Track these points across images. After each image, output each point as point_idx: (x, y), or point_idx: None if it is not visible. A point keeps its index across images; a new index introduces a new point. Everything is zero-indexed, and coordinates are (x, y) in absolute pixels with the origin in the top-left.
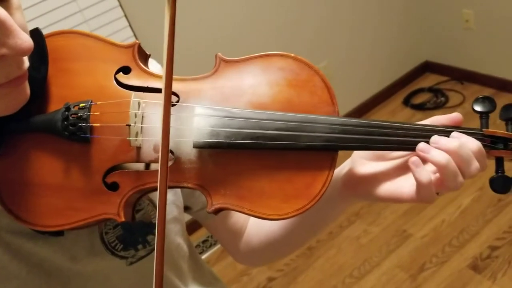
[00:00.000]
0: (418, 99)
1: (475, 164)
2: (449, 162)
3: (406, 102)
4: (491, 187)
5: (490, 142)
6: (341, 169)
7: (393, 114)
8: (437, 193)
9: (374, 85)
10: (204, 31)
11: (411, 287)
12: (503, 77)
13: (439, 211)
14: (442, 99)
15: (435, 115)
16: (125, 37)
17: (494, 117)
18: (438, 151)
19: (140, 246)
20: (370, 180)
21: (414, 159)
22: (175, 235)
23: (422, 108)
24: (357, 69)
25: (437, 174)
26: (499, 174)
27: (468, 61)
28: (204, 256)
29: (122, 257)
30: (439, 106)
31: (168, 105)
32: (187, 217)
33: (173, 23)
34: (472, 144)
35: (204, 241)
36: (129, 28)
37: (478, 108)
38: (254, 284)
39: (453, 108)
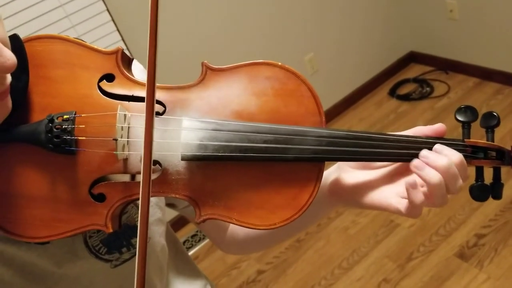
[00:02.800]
0: (404, 90)
1: (460, 182)
2: (441, 182)
3: (392, 93)
4: (471, 195)
5: (471, 152)
6: (327, 176)
7: (379, 105)
8: None
9: (360, 76)
10: (190, 27)
11: (400, 277)
12: (487, 66)
13: None
14: (428, 89)
15: (421, 105)
16: (113, 41)
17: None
18: (432, 170)
19: (124, 249)
20: (357, 189)
21: (411, 181)
22: (160, 237)
23: (408, 98)
24: (343, 61)
25: (425, 189)
26: (479, 182)
27: (452, 51)
28: (193, 251)
29: (106, 260)
30: (424, 96)
31: (151, 116)
32: (175, 212)
33: (155, 28)
34: (455, 158)
35: (193, 236)
36: (116, 33)
37: (460, 117)
38: (244, 278)
39: (438, 98)
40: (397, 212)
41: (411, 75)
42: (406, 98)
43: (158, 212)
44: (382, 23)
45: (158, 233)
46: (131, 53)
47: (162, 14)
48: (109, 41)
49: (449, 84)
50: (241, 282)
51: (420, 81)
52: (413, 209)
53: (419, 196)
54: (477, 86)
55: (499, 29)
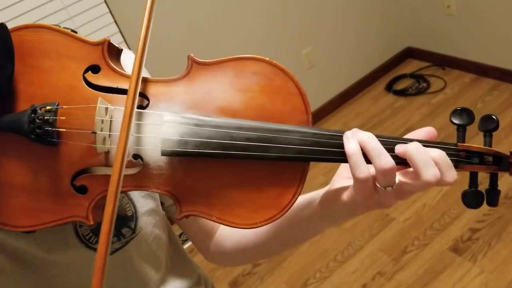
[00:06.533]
0: (400, 85)
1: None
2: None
3: (389, 88)
4: (463, 202)
5: (465, 156)
6: (321, 191)
7: (375, 100)
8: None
9: (357, 71)
10: (184, 20)
11: (394, 270)
12: (483, 62)
13: (420, 195)
14: (424, 84)
15: (417, 100)
16: (110, 33)
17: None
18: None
19: (114, 239)
20: (341, 191)
21: (347, 132)
22: (153, 227)
23: (404, 94)
24: (340, 55)
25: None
26: (472, 189)
27: (449, 47)
28: (189, 244)
29: (96, 250)
30: (421, 92)
31: (131, 111)
32: None
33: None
34: (434, 153)
35: None
36: (114, 25)
37: (455, 120)
38: (239, 270)
39: (434, 94)
40: (353, 196)
41: (408, 70)
42: (402, 93)
43: (151, 202)
44: (379, 18)
45: (151, 224)
46: (128, 45)
47: (158, 7)
48: (106, 33)
49: (445, 80)
50: (236, 274)
51: (416, 76)
52: (359, 187)
53: (353, 143)
54: (473, 82)
55: (495, 25)
